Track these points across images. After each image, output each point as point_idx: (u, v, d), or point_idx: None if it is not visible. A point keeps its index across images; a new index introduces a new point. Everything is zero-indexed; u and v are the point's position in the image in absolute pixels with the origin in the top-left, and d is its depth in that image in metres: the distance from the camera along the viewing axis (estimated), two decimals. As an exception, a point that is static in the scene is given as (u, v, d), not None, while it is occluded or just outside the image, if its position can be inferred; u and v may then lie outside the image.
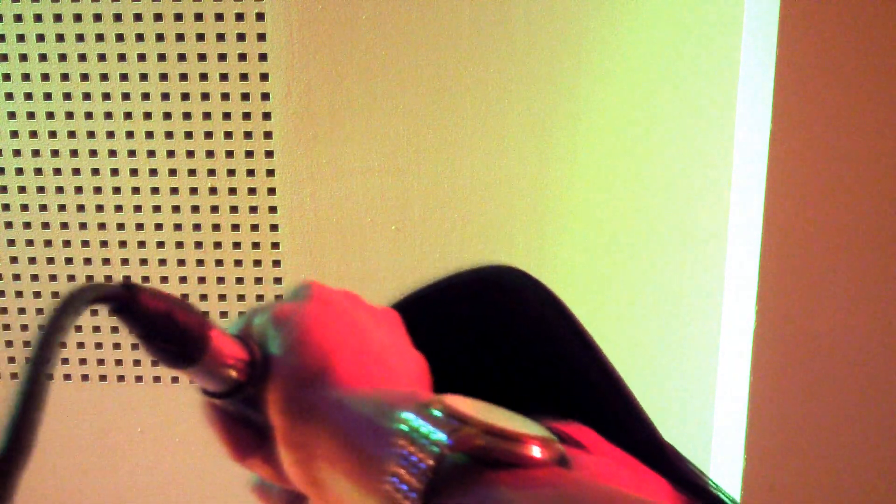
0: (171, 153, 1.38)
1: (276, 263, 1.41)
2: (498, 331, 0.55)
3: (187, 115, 1.36)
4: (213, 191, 1.38)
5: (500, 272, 0.57)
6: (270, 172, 1.37)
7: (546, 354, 0.54)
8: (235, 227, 1.40)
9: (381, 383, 0.39)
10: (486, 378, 0.56)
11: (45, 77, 1.36)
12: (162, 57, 1.34)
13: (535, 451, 0.31)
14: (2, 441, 0.29)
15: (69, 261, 1.43)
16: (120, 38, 1.34)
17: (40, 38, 1.34)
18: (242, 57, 1.33)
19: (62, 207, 1.41)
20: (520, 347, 0.55)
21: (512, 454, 0.31)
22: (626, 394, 0.53)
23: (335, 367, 0.38)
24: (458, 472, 0.30)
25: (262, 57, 1.33)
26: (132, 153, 1.38)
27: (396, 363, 0.41)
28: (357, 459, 0.34)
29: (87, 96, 1.36)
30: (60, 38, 1.34)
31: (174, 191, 1.39)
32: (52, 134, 1.38)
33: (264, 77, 1.34)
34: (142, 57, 1.34)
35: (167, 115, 1.36)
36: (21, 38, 1.34)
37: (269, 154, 1.37)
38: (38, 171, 1.40)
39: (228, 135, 1.36)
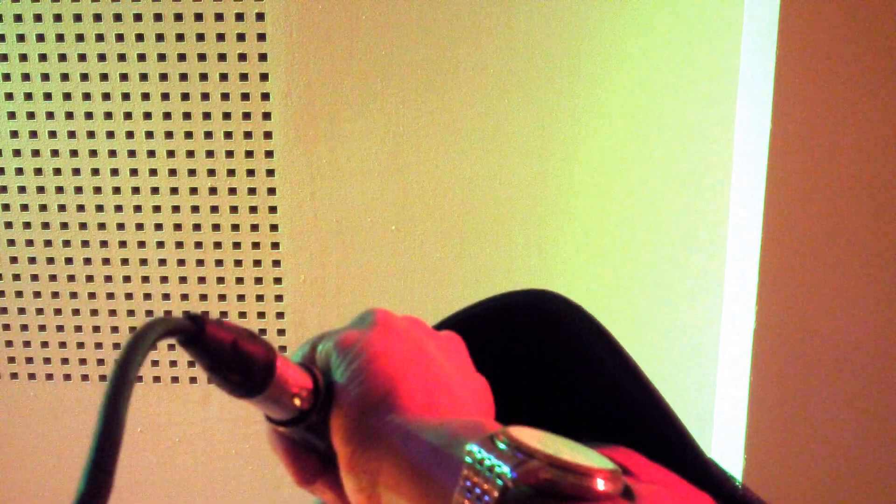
0: (171, 153, 1.38)
1: (276, 263, 1.41)
2: (544, 356, 0.56)
3: (187, 115, 1.36)
4: (213, 191, 1.38)
5: (542, 297, 0.57)
6: (270, 172, 1.37)
7: (590, 378, 0.55)
8: (235, 227, 1.40)
9: (446, 411, 0.39)
10: (533, 402, 0.56)
11: (45, 77, 1.36)
12: (162, 57, 1.34)
13: (601, 485, 0.31)
14: (82, 482, 0.29)
15: (69, 261, 1.43)
16: (120, 38, 1.34)
17: (40, 38, 1.34)
18: (242, 57, 1.33)
19: (62, 207, 1.41)
20: (564, 372, 0.56)
21: (577, 487, 0.31)
22: (670, 414, 0.54)
23: (400, 395, 0.38)
24: None
25: (262, 57, 1.33)
26: (132, 153, 1.38)
27: (461, 389, 0.41)
28: (422, 489, 0.34)
29: (87, 96, 1.36)
30: (60, 38, 1.34)
31: (174, 191, 1.39)
32: (52, 134, 1.38)
33: (264, 77, 1.34)
34: (142, 57, 1.34)
35: (167, 115, 1.36)
36: (21, 38, 1.34)
37: (269, 154, 1.37)
38: (38, 171, 1.40)
39: (228, 135, 1.36)
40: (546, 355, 0.56)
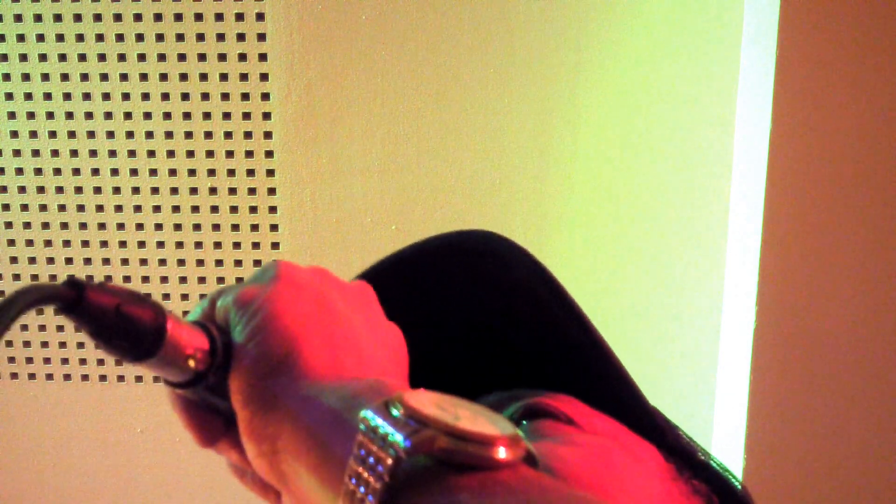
0: (171, 153, 1.38)
1: (276, 263, 1.41)
2: (483, 298, 0.54)
3: (187, 115, 1.36)
4: (213, 191, 1.38)
5: (482, 237, 0.55)
6: (270, 172, 1.37)
7: (533, 321, 0.53)
8: (235, 227, 1.40)
9: (351, 370, 0.37)
10: (473, 348, 0.55)
11: (45, 77, 1.36)
12: (162, 57, 1.34)
13: (500, 453, 0.29)
14: None
15: (69, 261, 1.43)
16: (120, 38, 1.34)
17: (40, 38, 1.34)
18: (242, 57, 1.33)
19: (62, 207, 1.41)
20: (507, 315, 0.54)
21: (475, 457, 0.29)
22: (615, 362, 0.52)
23: (302, 355, 0.36)
24: (418, 475, 0.29)
25: (262, 57, 1.33)
26: (132, 153, 1.38)
27: (369, 345, 0.39)
28: (320, 456, 0.33)
29: (87, 96, 1.36)
30: (60, 38, 1.34)
31: (174, 191, 1.39)
32: (52, 134, 1.38)
33: (264, 77, 1.34)
34: (142, 57, 1.34)
35: (167, 115, 1.36)
36: (21, 38, 1.34)
37: (269, 154, 1.37)
38: (38, 171, 1.40)
39: (228, 135, 1.36)
40: (489, 298, 0.54)
